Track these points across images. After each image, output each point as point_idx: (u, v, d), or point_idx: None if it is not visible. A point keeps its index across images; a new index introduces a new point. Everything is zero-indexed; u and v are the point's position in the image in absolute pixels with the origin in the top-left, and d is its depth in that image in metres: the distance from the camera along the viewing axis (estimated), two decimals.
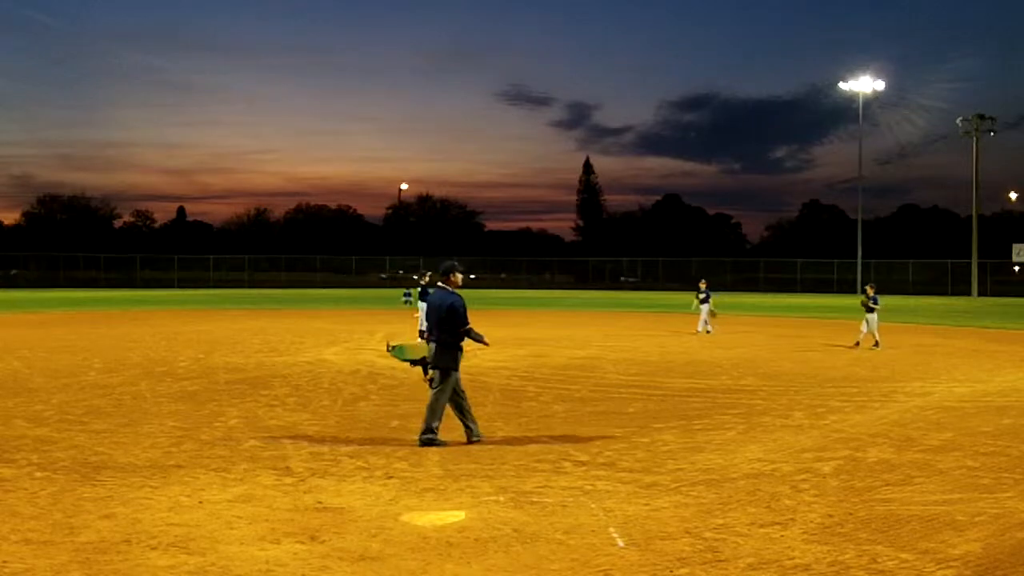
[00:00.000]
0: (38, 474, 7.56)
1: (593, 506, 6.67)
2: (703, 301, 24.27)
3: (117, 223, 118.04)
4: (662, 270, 75.48)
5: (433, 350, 9.11)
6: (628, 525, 6.18)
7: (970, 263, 61.35)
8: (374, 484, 7.30)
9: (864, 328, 20.17)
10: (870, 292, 20.38)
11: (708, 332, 23.80)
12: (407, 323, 26.51)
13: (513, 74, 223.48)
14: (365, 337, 22.34)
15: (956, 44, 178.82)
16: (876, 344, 19.88)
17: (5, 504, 6.61)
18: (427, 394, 12.47)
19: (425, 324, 21.03)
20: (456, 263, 9.46)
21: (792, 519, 6.37)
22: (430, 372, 9.20)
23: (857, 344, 20.05)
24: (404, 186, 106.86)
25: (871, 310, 20.03)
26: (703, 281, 25.03)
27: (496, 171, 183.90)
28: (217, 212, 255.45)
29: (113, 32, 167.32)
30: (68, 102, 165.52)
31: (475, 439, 9.09)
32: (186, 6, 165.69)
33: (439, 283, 9.38)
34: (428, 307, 9.48)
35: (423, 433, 8.95)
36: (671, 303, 45.70)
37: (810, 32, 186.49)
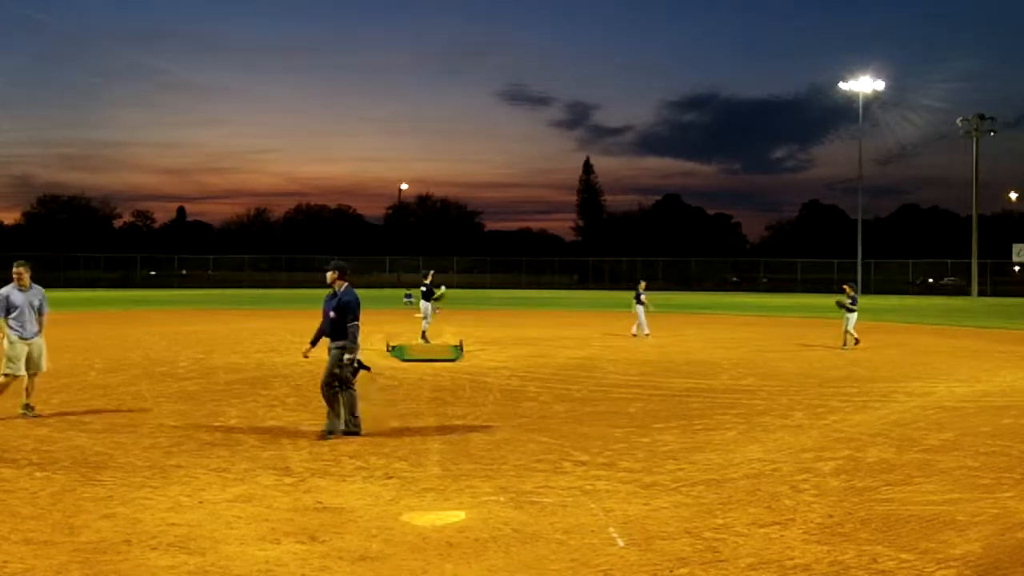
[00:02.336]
0: (38, 474, 7.57)
1: (593, 506, 6.67)
2: (638, 301, 23.18)
3: (117, 223, 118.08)
4: (662, 270, 75.45)
5: (351, 346, 9.42)
6: (628, 525, 6.18)
7: (970, 263, 61.33)
8: (374, 484, 7.30)
9: (848, 327, 20.05)
10: (849, 292, 20.23)
11: (646, 335, 22.73)
12: (407, 323, 26.50)
13: (513, 74, 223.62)
14: (365, 337, 22.30)
15: (956, 44, 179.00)
16: (856, 342, 19.77)
17: (5, 504, 6.61)
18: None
19: (427, 324, 21.22)
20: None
21: (792, 519, 6.37)
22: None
23: (853, 343, 19.97)
24: (404, 186, 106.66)
25: (851, 310, 19.93)
26: (643, 282, 23.91)
27: (496, 171, 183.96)
28: (217, 212, 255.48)
29: (113, 32, 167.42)
30: (68, 102, 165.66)
31: (331, 435, 9.28)
32: (186, 6, 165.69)
33: (341, 281, 9.56)
34: (352, 304, 9.43)
35: (353, 425, 9.36)
36: (671, 303, 45.71)
37: (810, 32, 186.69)
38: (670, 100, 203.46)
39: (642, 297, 23.21)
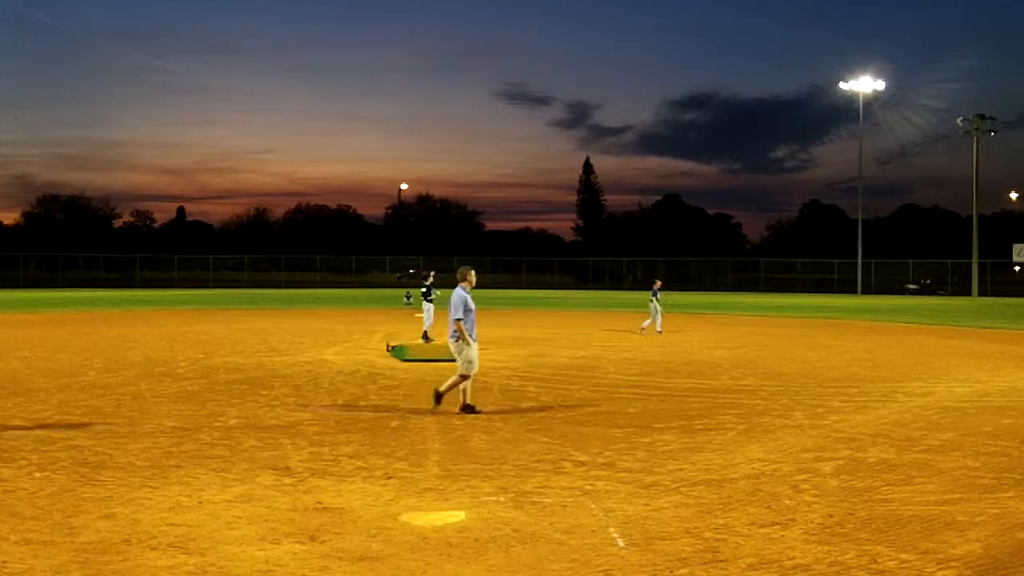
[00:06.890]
0: (38, 474, 7.56)
1: (593, 506, 6.66)
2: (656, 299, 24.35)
3: (117, 223, 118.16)
4: (662, 270, 75.43)
5: None
6: (628, 525, 6.18)
7: (970, 263, 61.33)
8: (374, 484, 7.30)
9: None
10: None
11: (643, 328, 24.00)
12: (407, 323, 26.51)
13: (513, 74, 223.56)
14: (365, 337, 22.33)
15: (956, 44, 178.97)
16: None
17: (5, 504, 6.60)
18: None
19: (429, 324, 21.20)
20: None
21: (792, 519, 6.37)
22: None
23: None
24: (404, 186, 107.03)
25: None
26: (658, 281, 25.01)
27: (496, 171, 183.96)
28: (217, 212, 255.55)
29: (113, 32, 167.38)
30: (68, 102, 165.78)
31: None
32: (187, 6, 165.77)
33: None
34: None
35: None
36: (670, 303, 45.67)
37: (810, 32, 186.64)
38: (670, 100, 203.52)
39: (657, 295, 24.25)
